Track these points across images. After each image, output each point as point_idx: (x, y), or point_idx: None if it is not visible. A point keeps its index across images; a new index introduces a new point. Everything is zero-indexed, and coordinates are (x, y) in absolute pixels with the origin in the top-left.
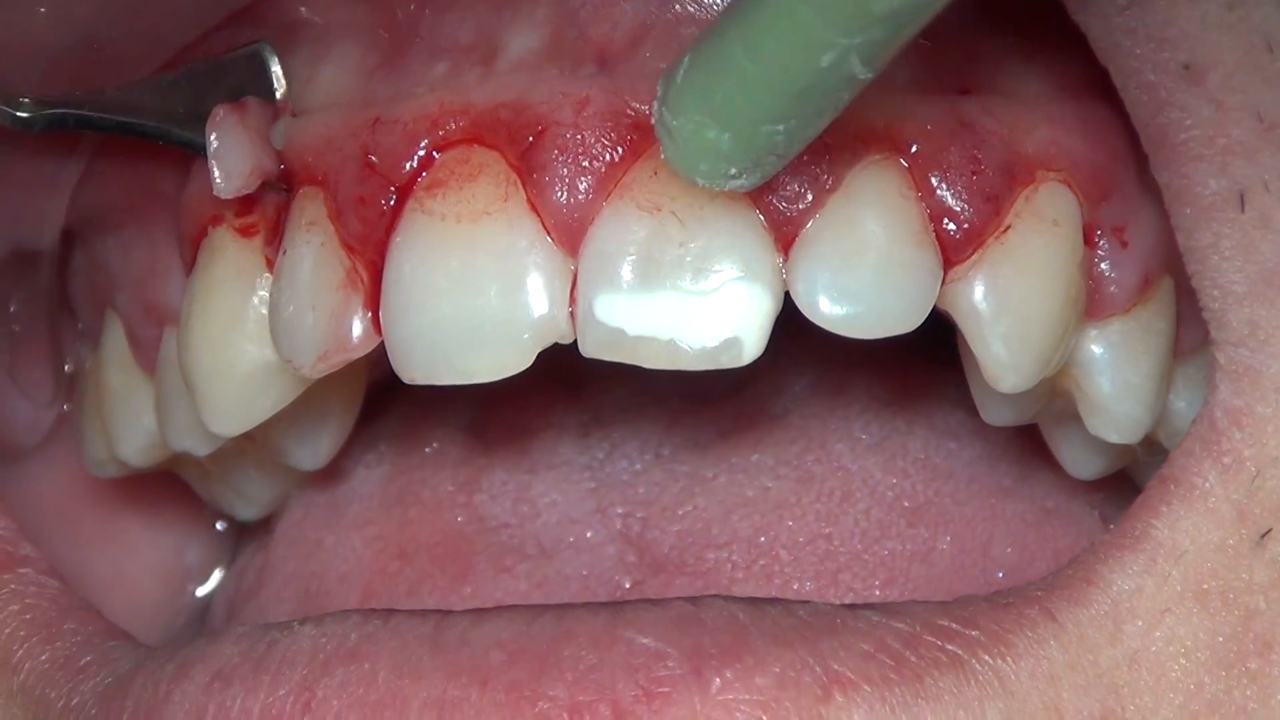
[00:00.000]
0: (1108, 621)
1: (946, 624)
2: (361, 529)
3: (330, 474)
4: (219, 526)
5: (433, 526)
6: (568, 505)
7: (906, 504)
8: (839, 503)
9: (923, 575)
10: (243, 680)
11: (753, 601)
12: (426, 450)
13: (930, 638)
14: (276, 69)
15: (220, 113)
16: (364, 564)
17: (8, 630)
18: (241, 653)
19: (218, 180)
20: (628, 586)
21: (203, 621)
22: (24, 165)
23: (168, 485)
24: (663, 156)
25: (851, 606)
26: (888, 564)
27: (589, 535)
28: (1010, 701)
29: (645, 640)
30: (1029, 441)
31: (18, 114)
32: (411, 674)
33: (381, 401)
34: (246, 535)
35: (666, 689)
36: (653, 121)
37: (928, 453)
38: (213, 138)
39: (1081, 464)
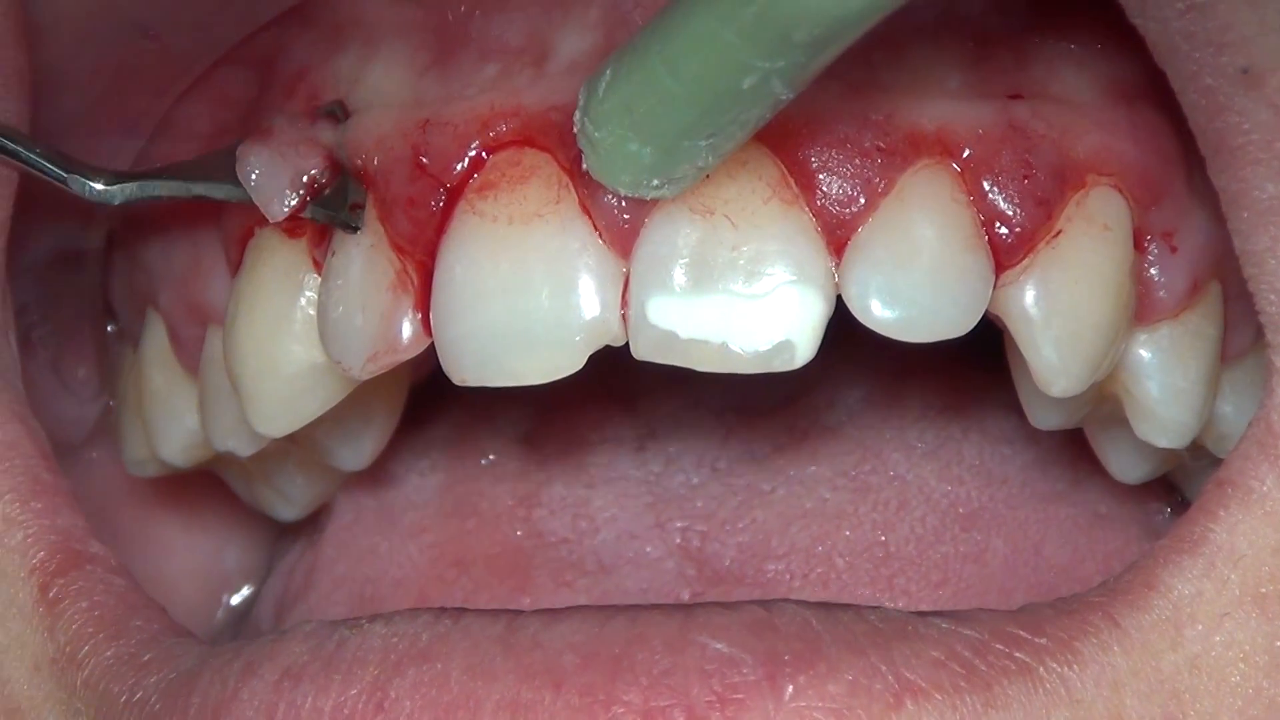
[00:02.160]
0: (1169, 626)
1: (1015, 631)
2: (417, 536)
3: (381, 479)
4: (257, 531)
5: (490, 538)
6: (626, 520)
7: (961, 510)
8: (895, 511)
9: (976, 576)
10: (313, 679)
11: (825, 606)
12: (483, 462)
13: (999, 645)
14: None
15: (246, 147)
16: (420, 570)
17: (75, 627)
18: (310, 650)
19: (270, 209)
20: (687, 599)
21: (244, 620)
22: None
23: (206, 490)
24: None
25: (922, 614)
26: (941, 566)
27: (648, 550)
28: (1075, 710)
29: (719, 645)
30: (1080, 447)
31: (95, 186)
32: (485, 675)
33: (432, 408)
34: (286, 539)
35: (741, 695)
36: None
37: (982, 459)
38: (251, 174)
39: (1127, 468)
